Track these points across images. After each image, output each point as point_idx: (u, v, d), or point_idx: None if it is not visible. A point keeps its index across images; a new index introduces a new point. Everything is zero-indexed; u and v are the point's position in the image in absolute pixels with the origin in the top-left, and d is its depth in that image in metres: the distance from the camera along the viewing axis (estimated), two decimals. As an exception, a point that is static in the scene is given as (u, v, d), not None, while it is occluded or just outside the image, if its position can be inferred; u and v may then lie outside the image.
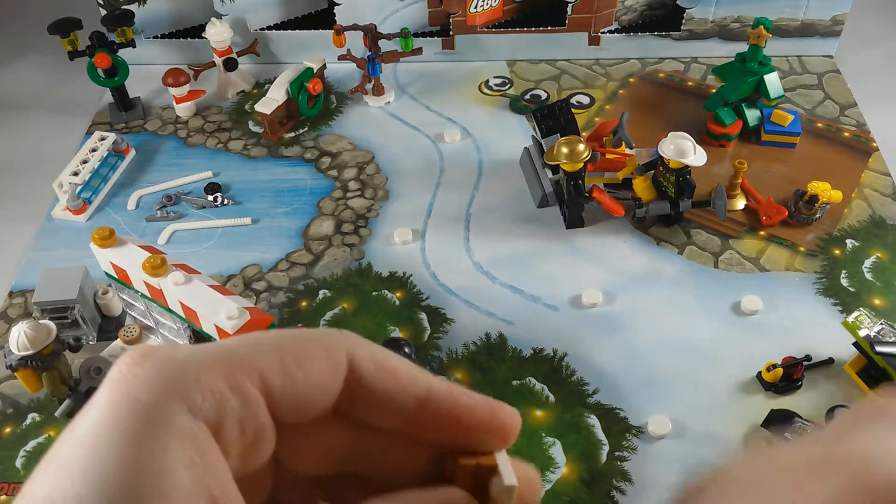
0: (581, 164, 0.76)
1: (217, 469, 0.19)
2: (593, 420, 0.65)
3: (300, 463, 0.23)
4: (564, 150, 0.75)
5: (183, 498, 0.17)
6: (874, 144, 0.89)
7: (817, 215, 0.80)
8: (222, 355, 0.20)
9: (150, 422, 0.18)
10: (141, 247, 0.61)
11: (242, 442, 0.20)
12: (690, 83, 0.99)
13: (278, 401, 0.20)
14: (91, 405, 0.18)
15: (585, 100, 0.97)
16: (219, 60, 0.97)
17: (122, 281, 0.63)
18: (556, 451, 0.63)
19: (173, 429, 0.18)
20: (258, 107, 0.90)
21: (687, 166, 0.76)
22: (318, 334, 0.22)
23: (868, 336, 0.63)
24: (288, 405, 0.20)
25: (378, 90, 0.97)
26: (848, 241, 0.79)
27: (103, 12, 0.96)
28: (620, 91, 0.98)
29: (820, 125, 0.92)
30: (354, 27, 0.93)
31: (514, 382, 0.68)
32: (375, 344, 0.23)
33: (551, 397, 0.67)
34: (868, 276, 0.76)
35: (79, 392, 0.66)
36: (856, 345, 0.65)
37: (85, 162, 0.84)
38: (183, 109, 0.96)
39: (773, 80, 0.86)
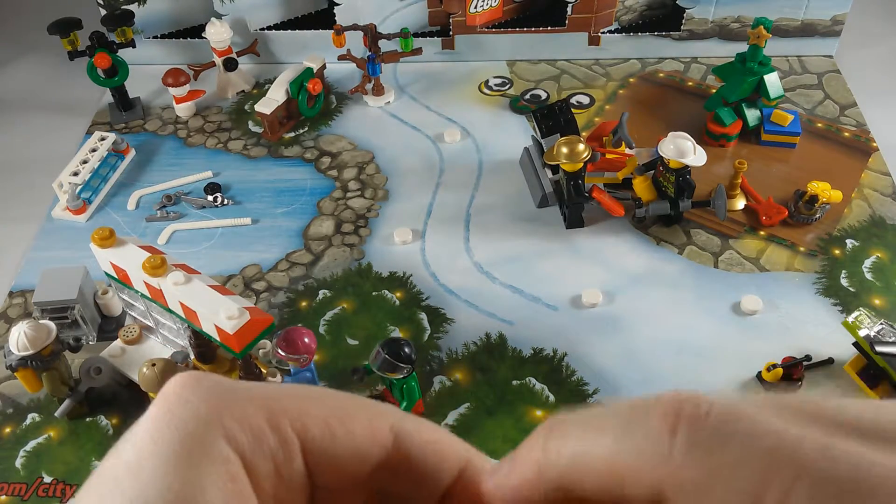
0: (581, 164, 0.76)
1: (246, 500, 0.19)
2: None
3: None
4: (564, 150, 0.75)
5: None
6: (874, 144, 0.89)
7: (817, 215, 0.80)
8: (268, 394, 0.20)
9: (191, 446, 0.18)
10: (141, 247, 0.61)
11: (275, 484, 0.20)
12: (690, 83, 0.99)
13: (316, 453, 0.21)
14: (139, 424, 0.19)
15: (585, 100, 0.97)
16: (219, 60, 0.97)
17: (122, 281, 0.63)
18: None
19: (212, 456, 0.19)
20: (258, 107, 0.90)
21: (687, 166, 0.76)
22: (365, 401, 0.22)
23: (868, 336, 0.63)
24: (324, 460, 0.21)
25: (378, 90, 0.97)
26: (848, 241, 0.79)
27: (103, 12, 0.96)
28: (620, 91, 0.98)
29: (820, 125, 0.92)
30: (354, 27, 0.93)
31: (514, 382, 0.68)
32: (419, 417, 0.23)
33: (551, 397, 0.67)
34: (868, 276, 0.76)
35: (79, 392, 0.66)
36: (856, 345, 0.65)
37: (85, 162, 0.84)
38: (183, 109, 0.96)
39: (773, 80, 0.86)
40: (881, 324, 0.64)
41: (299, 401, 0.21)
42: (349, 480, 0.22)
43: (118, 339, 0.69)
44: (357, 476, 0.22)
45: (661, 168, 0.78)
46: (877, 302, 0.73)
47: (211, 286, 0.58)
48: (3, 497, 0.62)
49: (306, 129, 0.94)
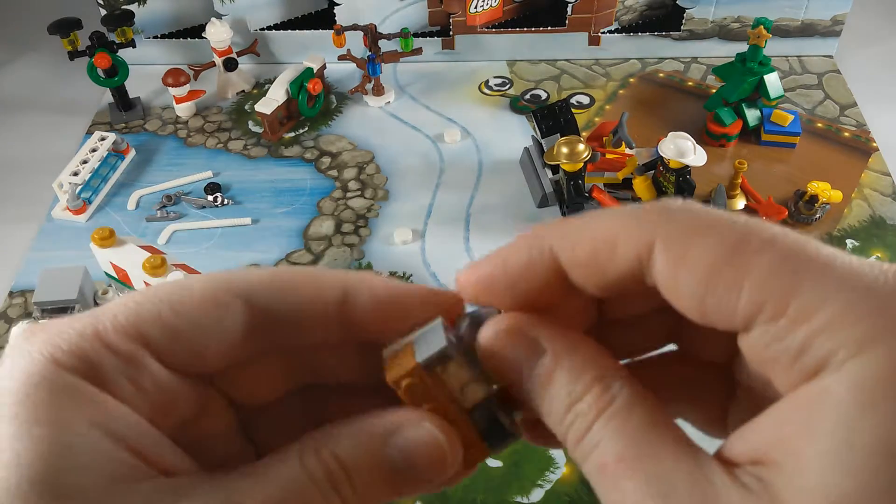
0: (581, 164, 0.76)
1: (122, 417, 0.19)
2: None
3: (249, 396, 0.23)
4: (564, 150, 0.75)
5: (97, 461, 0.18)
6: (874, 144, 0.89)
7: (817, 215, 0.80)
8: (96, 319, 0.20)
9: (40, 390, 0.18)
10: (141, 247, 0.61)
11: (145, 397, 0.20)
12: (690, 83, 0.99)
13: (166, 352, 0.20)
14: None
15: (585, 100, 0.97)
16: (219, 60, 0.97)
17: (122, 281, 0.63)
18: (557, 451, 0.63)
19: (63, 390, 0.18)
20: (258, 107, 0.90)
21: (687, 166, 0.76)
22: (202, 278, 0.21)
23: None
24: (179, 354, 0.20)
25: (378, 90, 0.97)
26: (848, 241, 0.79)
27: (103, 12, 0.96)
28: (620, 91, 0.98)
29: (820, 125, 0.92)
30: (354, 27, 0.93)
31: (514, 382, 0.68)
32: (275, 268, 0.22)
33: (551, 397, 0.67)
34: (868, 276, 0.76)
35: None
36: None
37: (85, 162, 0.84)
38: (183, 109, 0.96)
39: (773, 80, 0.86)
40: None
41: (130, 310, 0.20)
42: (219, 357, 0.21)
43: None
44: (225, 351, 0.21)
45: (661, 168, 0.78)
46: (877, 302, 0.73)
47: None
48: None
49: (306, 129, 0.94)
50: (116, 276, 0.63)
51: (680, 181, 0.77)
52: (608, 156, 0.81)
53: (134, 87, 0.97)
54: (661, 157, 0.76)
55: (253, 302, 0.21)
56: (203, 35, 0.97)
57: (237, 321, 0.21)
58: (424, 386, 0.21)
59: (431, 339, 0.21)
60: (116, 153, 0.90)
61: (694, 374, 0.24)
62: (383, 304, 0.22)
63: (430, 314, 0.22)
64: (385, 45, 0.95)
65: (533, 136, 0.88)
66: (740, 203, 0.82)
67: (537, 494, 0.60)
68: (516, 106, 0.97)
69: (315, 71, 0.94)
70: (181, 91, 0.95)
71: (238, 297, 0.21)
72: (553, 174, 0.82)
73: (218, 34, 0.95)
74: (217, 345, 0.21)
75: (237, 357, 0.22)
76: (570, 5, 0.98)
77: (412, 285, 0.23)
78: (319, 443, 0.20)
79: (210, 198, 0.85)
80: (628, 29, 1.01)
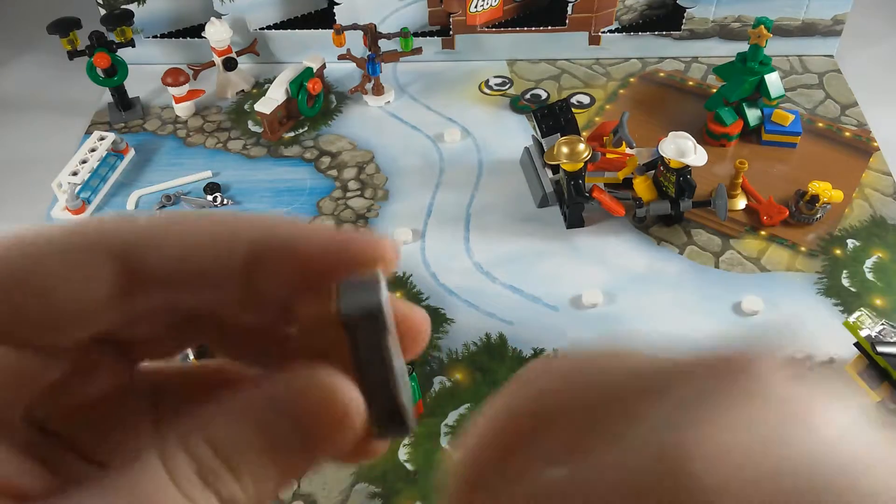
0: (581, 164, 0.75)
1: None
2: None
3: (135, 355, 0.20)
4: (564, 149, 0.75)
5: None
6: (875, 144, 0.89)
7: (818, 215, 0.80)
8: None
9: None
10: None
11: None
12: (691, 83, 0.98)
13: (5, 326, 0.17)
14: None
15: (586, 99, 0.97)
16: (218, 60, 0.97)
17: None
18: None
19: None
20: (258, 106, 0.90)
21: (687, 166, 0.76)
22: (66, 233, 0.17)
23: (869, 336, 0.63)
24: (24, 329, 0.17)
25: (378, 90, 0.97)
26: (849, 241, 0.79)
27: (103, 12, 0.96)
28: (621, 91, 0.98)
29: (821, 125, 0.92)
30: (354, 27, 0.93)
31: (515, 383, 0.68)
32: (168, 218, 0.18)
33: (551, 398, 0.67)
34: (869, 276, 0.76)
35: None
36: (857, 345, 0.65)
37: (84, 162, 0.84)
38: (182, 109, 0.96)
39: (773, 80, 0.86)
40: (882, 324, 0.64)
41: None
42: (89, 328, 0.17)
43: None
44: (94, 320, 0.17)
45: (661, 168, 0.78)
46: (878, 302, 0.73)
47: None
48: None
49: (306, 128, 0.94)
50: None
51: (680, 181, 0.77)
52: (608, 156, 0.81)
53: (133, 87, 0.97)
54: (662, 156, 0.76)
55: (131, 263, 0.17)
56: (203, 35, 0.97)
57: (108, 289, 0.17)
58: (334, 341, 0.17)
59: (362, 292, 0.17)
60: (116, 153, 0.90)
61: None
62: (299, 264, 0.18)
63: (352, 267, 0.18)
64: (385, 45, 0.94)
65: (533, 135, 0.88)
66: (741, 203, 0.82)
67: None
68: (516, 106, 0.96)
69: (315, 70, 0.94)
70: (180, 91, 0.94)
71: (113, 260, 0.17)
72: (553, 174, 0.81)
73: (217, 34, 0.95)
74: (80, 316, 0.17)
75: (108, 325, 0.18)
76: (570, 5, 0.98)
77: (332, 234, 0.18)
78: (186, 432, 0.16)
79: (210, 198, 0.85)
80: (629, 28, 1.00)
